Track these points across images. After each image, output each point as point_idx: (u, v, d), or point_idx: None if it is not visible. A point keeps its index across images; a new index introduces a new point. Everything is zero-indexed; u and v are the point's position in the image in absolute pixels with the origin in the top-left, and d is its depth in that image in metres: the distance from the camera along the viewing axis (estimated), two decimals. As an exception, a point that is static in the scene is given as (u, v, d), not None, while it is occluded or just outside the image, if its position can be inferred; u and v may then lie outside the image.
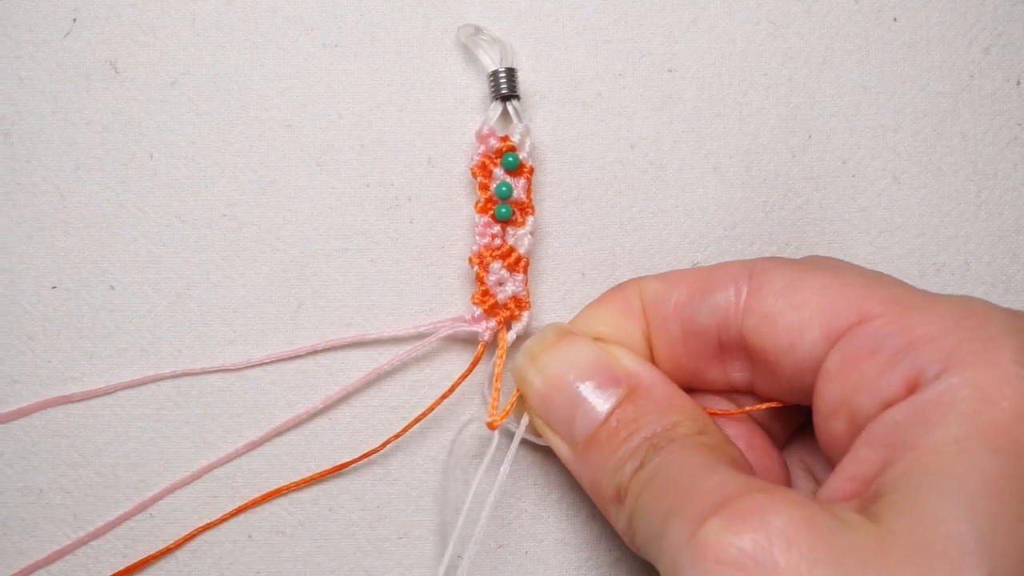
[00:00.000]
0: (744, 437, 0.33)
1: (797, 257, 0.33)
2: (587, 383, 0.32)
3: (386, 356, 0.37)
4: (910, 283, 0.37)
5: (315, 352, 0.37)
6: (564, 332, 0.33)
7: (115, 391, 0.36)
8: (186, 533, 0.36)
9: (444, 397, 0.36)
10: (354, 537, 0.36)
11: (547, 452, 0.37)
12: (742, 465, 0.30)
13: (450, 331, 0.36)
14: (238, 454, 0.36)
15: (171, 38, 0.37)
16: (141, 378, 0.36)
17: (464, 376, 0.36)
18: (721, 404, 0.34)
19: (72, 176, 0.37)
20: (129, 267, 0.37)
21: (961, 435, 0.26)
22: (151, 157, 0.37)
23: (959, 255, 0.38)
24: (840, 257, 0.37)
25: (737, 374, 0.33)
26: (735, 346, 0.32)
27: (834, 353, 0.29)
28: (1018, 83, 0.39)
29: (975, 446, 0.26)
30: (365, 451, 0.36)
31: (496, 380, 0.35)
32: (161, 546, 0.36)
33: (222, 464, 0.36)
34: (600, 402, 0.31)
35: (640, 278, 0.34)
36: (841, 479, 0.28)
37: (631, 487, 0.30)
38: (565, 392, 0.32)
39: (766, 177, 0.38)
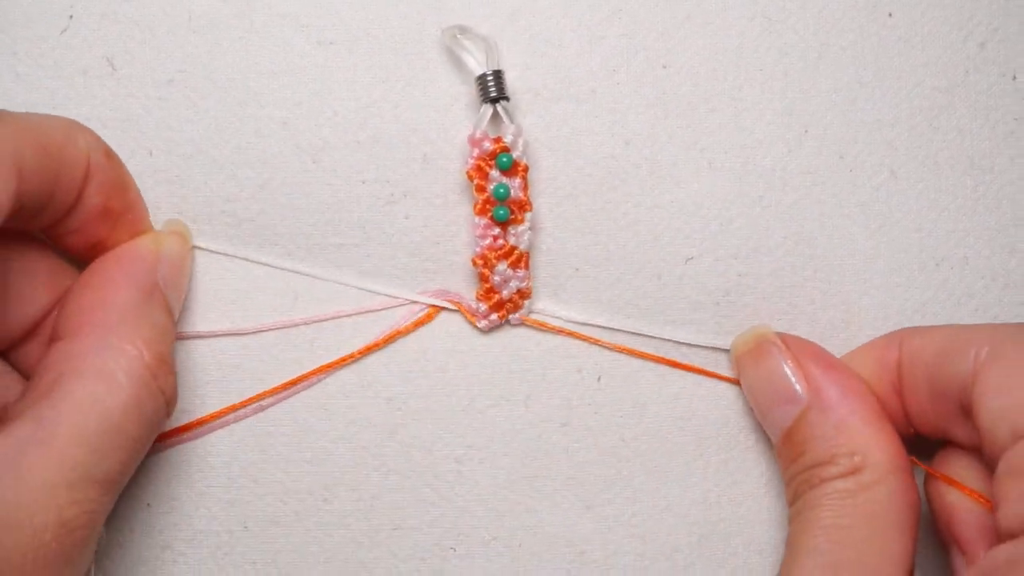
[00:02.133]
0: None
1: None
2: (770, 399, 0.34)
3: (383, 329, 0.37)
4: (909, 278, 0.38)
5: (315, 321, 0.37)
6: (759, 337, 0.35)
7: None
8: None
9: (400, 334, 0.37)
10: (349, 528, 0.37)
11: (541, 445, 0.37)
12: (884, 526, 0.30)
13: (451, 299, 0.37)
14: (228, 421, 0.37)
15: (167, 35, 0.37)
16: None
17: (410, 328, 0.37)
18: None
19: (71, 172, 0.37)
20: (128, 262, 0.37)
21: None
22: (149, 154, 0.37)
23: (958, 249, 0.38)
24: (839, 253, 0.37)
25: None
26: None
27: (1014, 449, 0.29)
28: (1014, 78, 0.38)
29: None
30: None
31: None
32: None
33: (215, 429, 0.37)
34: (780, 419, 0.33)
35: (906, 331, 0.34)
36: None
37: (790, 512, 0.31)
38: (757, 406, 0.35)
39: (762, 172, 0.38)
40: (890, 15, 0.38)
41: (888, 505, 0.30)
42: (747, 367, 0.35)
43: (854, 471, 0.30)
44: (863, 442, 0.31)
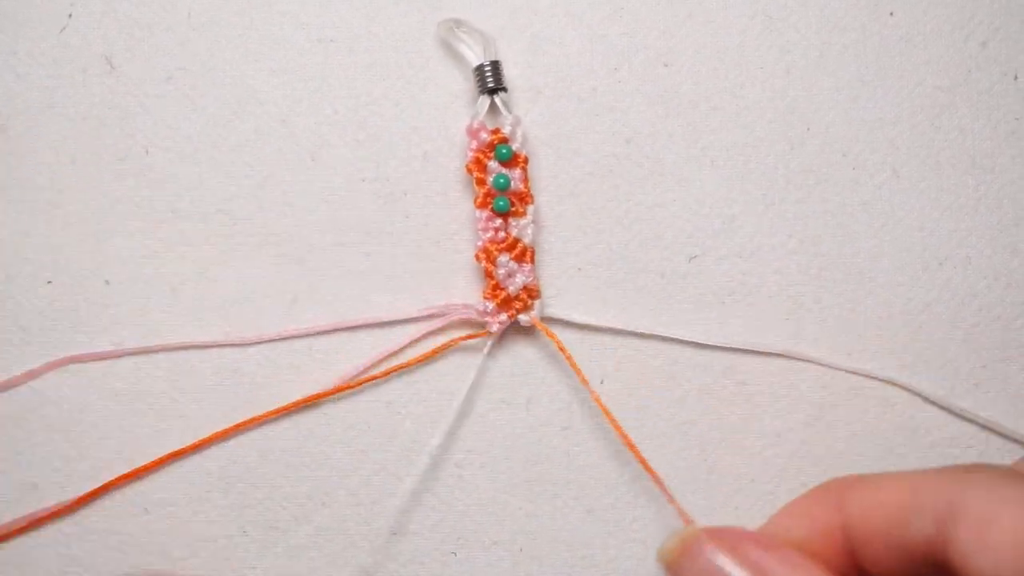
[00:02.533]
0: None
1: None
2: None
3: (386, 344, 0.37)
4: (913, 278, 0.37)
5: (322, 332, 0.37)
6: (685, 541, 0.32)
7: (123, 356, 0.36)
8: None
9: (432, 354, 0.36)
10: (348, 533, 0.36)
11: (542, 449, 0.37)
12: None
13: (462, 315, 0.36)
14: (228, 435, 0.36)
15: (166, 33, 0.37)
16: (147, 346, 0.36)
17: (454, 342, 0.36)
18: None
19: (68, 171, 0.37)
20: (125, 262, 0.37)
21: None
22: (147, 152, 0.37)
23: (960, 249, 0.38)
24: (843, 252, 0.37)
25: None
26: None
27: None
28: (1015, 77, 0.38)
29: None
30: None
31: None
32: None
33: (209, 444, 0.36)
34: None
35: (841, 487, 0.32)
36: None
37: None
38: None
39: (765, 170, 0.38)
40: (892, 14, 0.38)
41: None
42: (683, 572, 0.33)
43: None
44: None
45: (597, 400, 0.36)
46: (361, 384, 0.36)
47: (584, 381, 0.36)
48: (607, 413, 0.35)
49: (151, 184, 0.37)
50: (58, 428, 0.36)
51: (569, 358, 0.36)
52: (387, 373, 0.36)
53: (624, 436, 0.35)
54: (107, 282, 0.37)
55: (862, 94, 0.38)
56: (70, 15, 0.37)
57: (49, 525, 0.36)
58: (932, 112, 0.38)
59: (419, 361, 0.36)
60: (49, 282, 0.37)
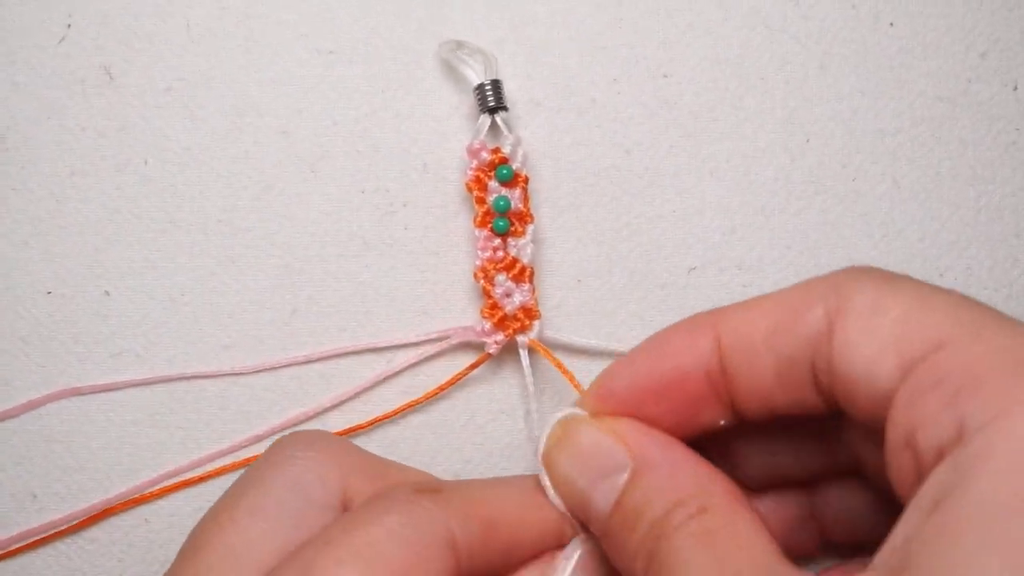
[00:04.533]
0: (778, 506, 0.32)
1: (864, 266, 0.30)
2: (591, 478, 0.30)
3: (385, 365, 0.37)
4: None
5: (324, 359, 0.37)
6: (566, 425, 0.31)
7: (122, 388, 0.36)
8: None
9: (437, 392, 0.36)
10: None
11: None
12: (752, 542, 0.28)
13: (462, 339, 0.36)
14: (234, 449, 0.36)
15: (165, 44, 0.37)
16: (144, 378, 0.36)
17: (462, 375, 0.36)
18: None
19: (68, 181, 0.37)
20: (124, 272, 0.37)
21: (992, 499, 0.23)
22: (146, 163, 0.37)
23: (961, 260, 0.38)
24: (843, 263, 0.37)
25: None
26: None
27: (904, 385, 0.27)
28: (1015, 88, 0.38)
29: (1008, 515, 0.22)
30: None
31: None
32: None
33: (215, 460, 0.36)
34: (605, 495, 0.30)
35: (716, 310, 0.31)
36: (889, 547, 0.25)
37: None
38: (576, 495, 0.31)
39: (765, 181, 0.38)
40: (891, 24, 0.38)
41: (743, 528, 0.29)
42: (559, 455, 0.32)
43: (702, 511, 0.29)
44: (700, 483, 0.29)
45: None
46: (377, 422, 0.36)
47: (577, 388, 0.36)
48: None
49: (150, 195, 0.37)
50: (59, 440, 0.36)
51: (572, 379, 0.36)
52: (399, 411, 0.36)
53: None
54: (107, 293, 0.37)
55: (862, 105, 0.38)
56: (69, 25, 0.37)
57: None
58: (932, 123, 0.38)
59: (431, 396, 0.36)
60: (49, 293, 0.37)
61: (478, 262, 0.36)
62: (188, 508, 0.36)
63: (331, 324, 0.37)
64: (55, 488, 0.36)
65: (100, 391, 0.36)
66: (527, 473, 0.37)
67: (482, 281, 0.36)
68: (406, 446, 0.37)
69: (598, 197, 0.38)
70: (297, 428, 0.36)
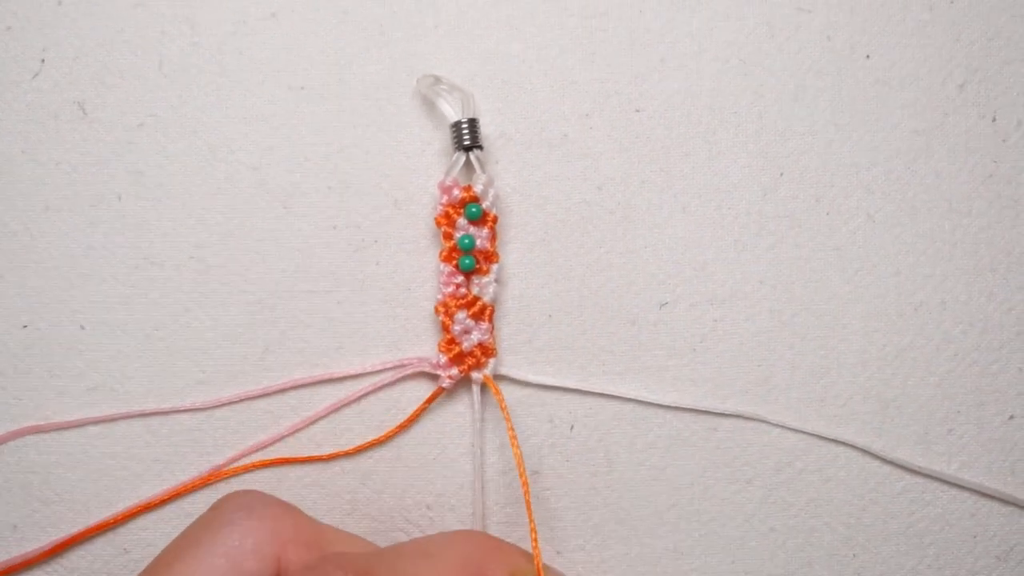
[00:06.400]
0: None
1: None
2: None
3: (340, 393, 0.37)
4: (888, 323, 0.37)
5: (283, 390, 0.37)
6: None
7: (86, 424, 0.37)
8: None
9: (408, 423, 0.37)
10: None
11: (512, 492, 0.37)
12: None
13: (416, 369, 0.37)
14: (209, 481, 0.37)
15: (138, 80, 0.37)
16: (111, 414, 0.37)
17: (420, 410, 0.37)
18: None
19: (42, 216, 0.37)
20: (99, 307, 0.37)
21: None
22: (119, 198, 0.37)
23: (936, 294, 0.38)
24: (817, 297, 0.37)
25: None
26: None
27: None
28: (993, 119, 0.38)
29: None
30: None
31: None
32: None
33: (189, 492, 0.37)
34: None
35: None
36: None
37: None
38: None
39: (737, 215, 0.38)
40: (868, 56, 0.38)
41: None
42: None
43: None
44: None
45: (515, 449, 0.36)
46: (337, 457, 0.37)
47: (513, 439, 0.35)
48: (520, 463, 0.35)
49: (124, 230, 0.37)
50: (37, 472, 0.37)
51: (508, 419, 0.36)
52: (361, 448, 0.37)
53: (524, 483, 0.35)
54: (82, 327, 0.37)
55: (836, 138, 0.38)
56: (43, 60, 0.37)
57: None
58: (908, 156, 0.38)
59: (397, 432, 0.37)
60: (24, 327, 0.37)
61: (440, 296, 0.36)
62: (165, 538, 0.36)
63: (303, 360, 0.37)
64: (35, 519, 0.36)
65: (73, 427, 0.37)
66: (495, 508, 0.37)
67: (442, 315, 0.36)
68: (378, 477, 0.37)
69: (569, 232, 0.37)
70: (256, 457, 0.37)
